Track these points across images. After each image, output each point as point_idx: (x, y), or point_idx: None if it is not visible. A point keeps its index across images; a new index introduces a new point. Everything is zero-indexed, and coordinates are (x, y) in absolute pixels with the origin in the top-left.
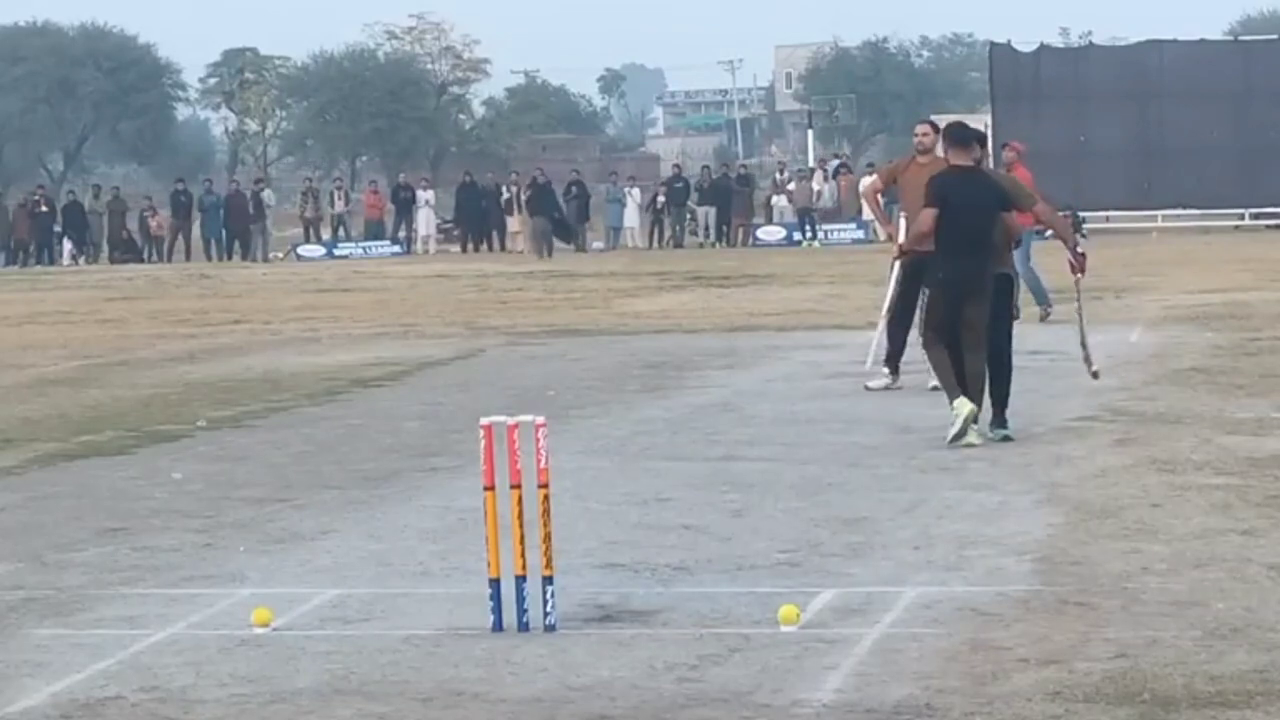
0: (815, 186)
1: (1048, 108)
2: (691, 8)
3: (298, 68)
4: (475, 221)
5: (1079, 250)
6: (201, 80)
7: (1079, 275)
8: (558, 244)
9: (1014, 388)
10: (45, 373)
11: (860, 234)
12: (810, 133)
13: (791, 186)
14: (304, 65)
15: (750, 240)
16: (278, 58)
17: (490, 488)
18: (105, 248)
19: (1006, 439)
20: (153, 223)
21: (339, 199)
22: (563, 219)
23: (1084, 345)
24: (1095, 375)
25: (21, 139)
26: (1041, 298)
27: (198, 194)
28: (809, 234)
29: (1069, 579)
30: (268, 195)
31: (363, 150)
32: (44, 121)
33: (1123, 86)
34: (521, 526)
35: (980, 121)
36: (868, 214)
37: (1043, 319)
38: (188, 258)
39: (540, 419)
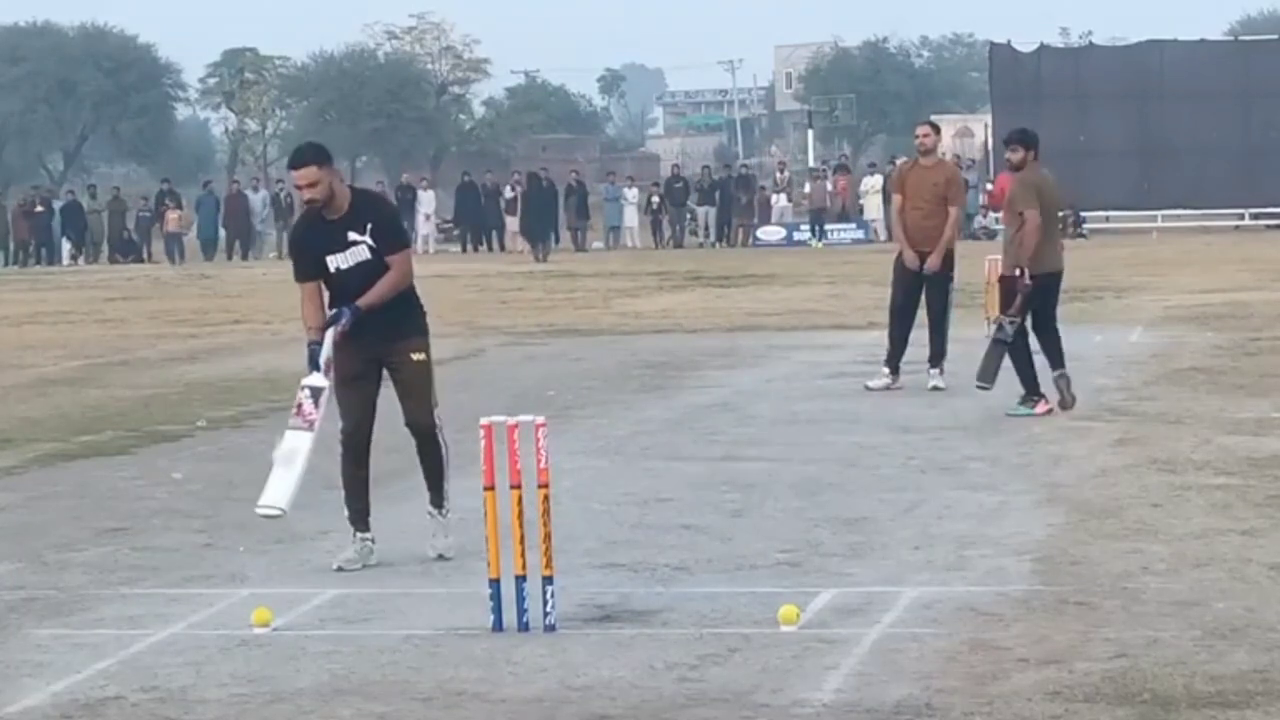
0: (828, 187)
1: (1048, 108)
2: (691, 8)
3: (298, 68)
4: (475, 221)
5: None
6: (201, 80)
7: None
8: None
9: (1013, 388)
10: (45, 373)
11: (860, 234)
12: (810, 133)
13: (806, 188)
14: (304, 65)
15: (750, 240)
16: (278, 58)
17: (490, 488)
18: (105, 248)
19: None
20: (173, 216)
21: None
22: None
23: None
24: None
25: (21, 139)
26: None
27: (196, 195)
28: (818, 234)
29: (1069, 579)
30: (263, 195)
31: (363, 150)
32: (44, 121)
33: (1123, 86)
34: (521, 526)
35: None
36: (869, 214)
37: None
38: (181, 258)
39: (540, 419)
